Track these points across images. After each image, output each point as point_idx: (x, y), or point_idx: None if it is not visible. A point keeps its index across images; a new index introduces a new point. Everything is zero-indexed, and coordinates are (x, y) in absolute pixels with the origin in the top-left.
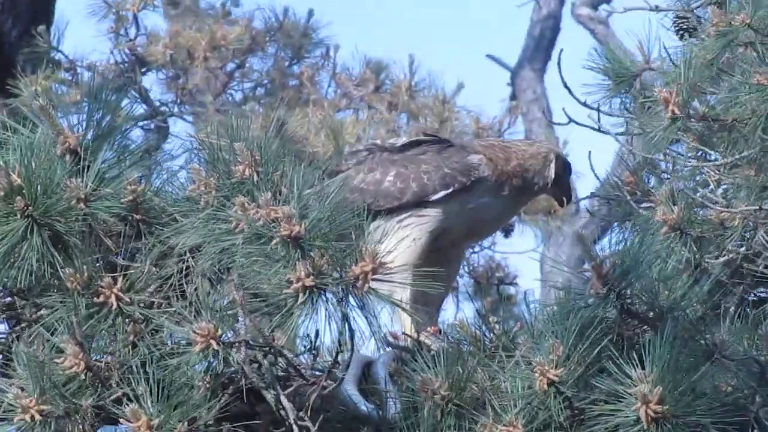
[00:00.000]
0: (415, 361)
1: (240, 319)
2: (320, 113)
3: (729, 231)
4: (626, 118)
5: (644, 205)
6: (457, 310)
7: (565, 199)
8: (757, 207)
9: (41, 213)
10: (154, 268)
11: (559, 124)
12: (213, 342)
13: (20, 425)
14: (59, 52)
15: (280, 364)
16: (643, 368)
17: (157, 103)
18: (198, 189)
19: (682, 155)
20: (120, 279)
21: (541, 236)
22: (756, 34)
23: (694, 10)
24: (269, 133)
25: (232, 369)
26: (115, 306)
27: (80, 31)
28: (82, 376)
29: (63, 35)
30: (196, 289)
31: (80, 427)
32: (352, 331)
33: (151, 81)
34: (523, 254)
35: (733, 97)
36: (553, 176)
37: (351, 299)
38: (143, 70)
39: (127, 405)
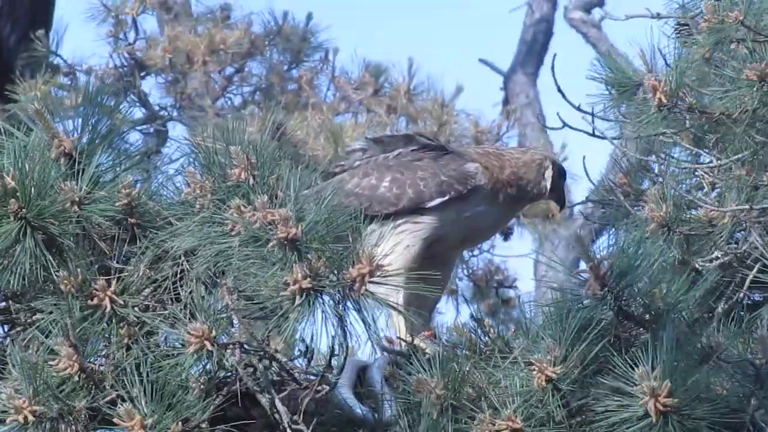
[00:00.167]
0: (411, 364)
1: (234, 322)
2: (319, 117)
3: (718, 229)
4: (620, 122)
5: (637, 208)
6: (457, 314)
7: (559, 204)
8: (748, 207)
9: (35, 215)
10: (148, 271)
11: (553, 128)
12: (207, 343)
13: (13, 426)
14: (58, 56)
15: (274, 368)
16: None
17: (156, 107)
18: (193, 192)
19: (675, 158)
20: (114, 282)
21: (537, 239)
22: (748, 31)
23: (695, 18)
24: (265, 136)
25: (227, 372)
26: (109, 309)
27: (79, 35)
28: (76, 378)
29: (62, 39)
30: (190, 292)
31: (74, 428)
32: (347, 334)
33: (150, 85)
34: (523, 257)
35: (723, 91)
36: (549, 184)
37: (347, 302)
38: (142, 74)
39: (121, 406)
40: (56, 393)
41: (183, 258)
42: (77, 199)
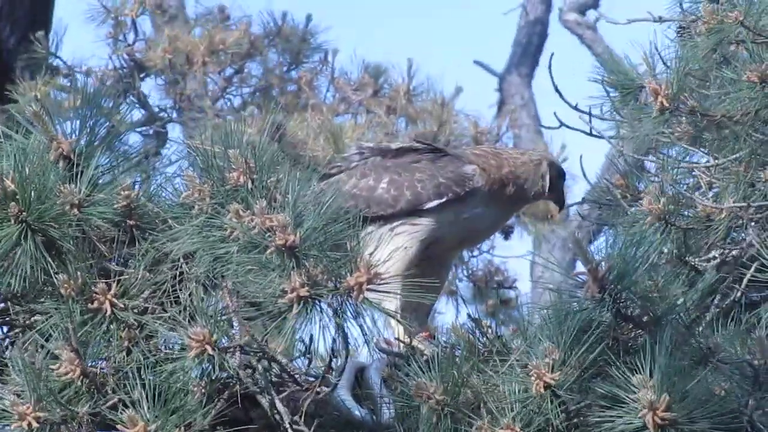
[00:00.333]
0: (409, 366)
1: (234, 324)
2: (319, 118)
3: (715, 224)
4: (617, 121)
5: (634, 209)
6: (457, 314)
7: (558, 205)
8: (745, 204)
9: (35, 218)
10: (148, 274)
11: (550, 128)
12: (208, 347)
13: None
14: (57, 57)
15: (274, 369)
16: (641, 373)
17: (156, 109)
18: (192, 196)
19: (672, 158)
20: (114, 285)
21: (533, 240)
22: (748, 32)
23: (696, 21)
24: (264, 139)
25: (227, 374)
26: (109, 312)
27: (79, 36)
28: (78, 383)
29: (61, 41)
30: (190, 295)
31: None
32: (346, 340)
33: (149, 86)
34: (522, 258)
35: (723, 94)
36: (548, 185)
37: (345, 309)
38: (142, 75)
39: (123, 411)
40: (59, 398)
41: (182, 260)
42: (76, 201)
